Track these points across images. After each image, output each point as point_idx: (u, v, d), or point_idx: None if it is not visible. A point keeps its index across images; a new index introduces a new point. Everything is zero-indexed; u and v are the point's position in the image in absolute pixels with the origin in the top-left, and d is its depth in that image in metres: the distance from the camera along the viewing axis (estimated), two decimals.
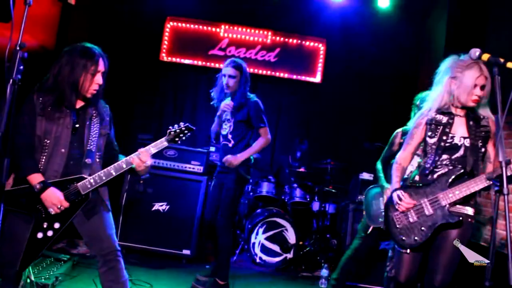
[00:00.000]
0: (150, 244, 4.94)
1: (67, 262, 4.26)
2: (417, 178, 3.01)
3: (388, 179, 3.89)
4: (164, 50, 6.98)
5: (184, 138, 2.91)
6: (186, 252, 4.95)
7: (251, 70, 6.86)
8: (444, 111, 2.96)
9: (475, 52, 2.58)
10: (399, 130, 4.16)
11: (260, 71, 6.99)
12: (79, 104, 2.80)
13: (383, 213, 3.70)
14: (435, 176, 2.92)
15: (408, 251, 2.95)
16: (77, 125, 2.75)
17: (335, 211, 6.02)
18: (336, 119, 7.01)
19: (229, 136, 4.34)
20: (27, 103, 2.67)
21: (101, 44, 2.86)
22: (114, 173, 2.74)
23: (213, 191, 4.44)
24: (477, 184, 2.77)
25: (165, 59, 6.99)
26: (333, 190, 5.87)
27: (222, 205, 4.27)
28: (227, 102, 4.37)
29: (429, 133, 2.96)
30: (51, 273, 3.86)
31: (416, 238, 2.88)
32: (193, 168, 5.13)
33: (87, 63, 2.69)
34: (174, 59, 7.01)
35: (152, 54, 6.95)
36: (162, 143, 2.86)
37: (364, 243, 4.22)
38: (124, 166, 2.76)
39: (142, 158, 2.77)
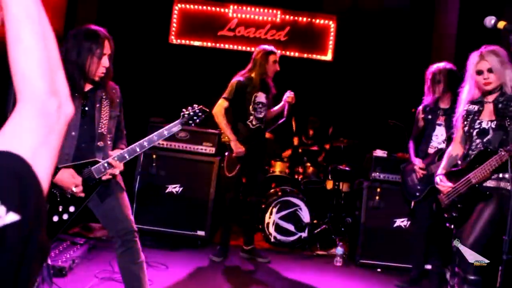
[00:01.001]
0: (165, 226, 4.94)
1: (83, 245, 4.30)
2: (459, 162, 3.31)
3: (419, 154, 4.28)
4: (173, 33, 6.95)
5: (198, 120, 2.90)
6: (201, 233, 4.96)
7: None
8: (475, 101, 3.20)
9: (490, 20, 2.56)
10: (420, 107, 4.35)
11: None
12: (88, 87, 2.77)
13: (418, 187, 4.14)
14: (468, 159, 3.20)
15: (452, 226, 3.27)
16: (86, 108, 2.74)
17: (349, 189, 5.99)
18: (348, 96, 6.94)
19: (264, 119, 4.64)
20: None
21: (109, 28, 2.83)
22: (127, 157, 2.73)
23: (241, 174, 4.69)
24: (496, 160, 2.92)
25: (174, 41, 6.96)
26: (347, 168, 5.83)
27: (260, 184, 4.80)
28: (261, 97, 4.62)
29: (464, 123, 3.22)
30: (68, 256, 3.90)
31: (454, 214, 3.19)
32: (205, 150, 5.09)
33: (92, 46, 2.64)
34: (183, 42, 6.98)
35: (161, 37, 6.92)
36: (175, 126, 2.83)
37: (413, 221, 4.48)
38: (138, 150, 2.74)
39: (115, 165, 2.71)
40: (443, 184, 3.24)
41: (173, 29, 6.95)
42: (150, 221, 4.93)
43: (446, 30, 6.07)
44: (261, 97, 4.60)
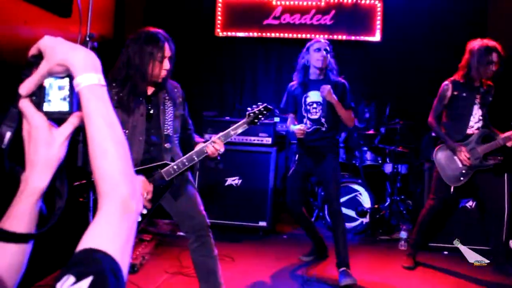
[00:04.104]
0: (227, 219, 5.01)
1: (151, 242, 4.41)
2: None
3: (452, 135, 4.08)
4: (218, 26, 6.94)
5: (262, 118, 2.91)
6: (263, 224, 4.98)
7: (308, 35, 6.72)
8: None
9: None
10: (447, 82, 4.16)
11: (317, 36, 6.79)
12: (150, 90, 2.81)
13: (463, 171, 3.74)
14: None
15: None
16: (151, 112, 2.78)
17: (408, 171, 5.87)
18: (401, 77, 6.74)
19: (322, 120, 3.99)
20: None
21: (156, 27, 2.85)
22: (196, 158, 2.77)
23: (296, 177, 4.15)
24: None
25: (220, 34, 6.95)
26: (405, 150, 5.71)
27: (334, 191, 3.99)
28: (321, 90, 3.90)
29: None
30: (138, 253, 4.01)
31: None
32: (262, 140, 5.11)
33: (153, 50, 2.67)
34: (229, 33, 6.96)
35: (207, 31, 6.93)
36: (242, 125, 2.86)
37: (445, 203, 4.22)
38: (205, 150, 2.77)
39: (216, 147, 2.76)
40: None
41: (218, 21, 6.95)
42: (212, 214, 4.95)
43: (503, 5, 5.79)
44: (313, 96, 4.02)
